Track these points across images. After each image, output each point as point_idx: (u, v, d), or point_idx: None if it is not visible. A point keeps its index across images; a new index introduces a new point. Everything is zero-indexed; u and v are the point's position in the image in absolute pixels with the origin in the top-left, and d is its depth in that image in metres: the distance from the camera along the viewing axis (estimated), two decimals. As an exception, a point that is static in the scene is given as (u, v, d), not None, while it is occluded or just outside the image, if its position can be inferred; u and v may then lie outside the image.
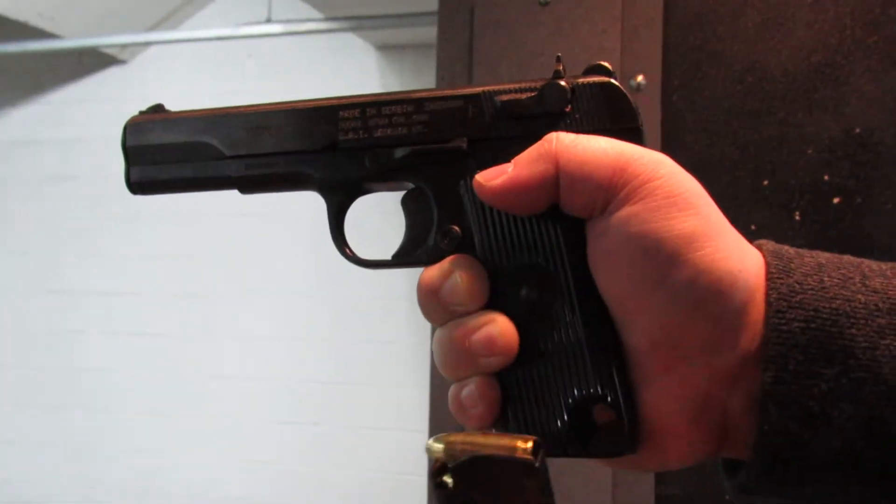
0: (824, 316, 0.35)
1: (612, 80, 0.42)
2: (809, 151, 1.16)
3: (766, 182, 1.14)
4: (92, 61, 3.25)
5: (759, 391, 0.35)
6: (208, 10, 3.20)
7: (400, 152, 0.44)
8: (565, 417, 0.39)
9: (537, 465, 0.31)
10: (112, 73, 3.27)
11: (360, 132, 0.45)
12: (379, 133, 0.45)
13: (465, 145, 0.43)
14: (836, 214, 1.12)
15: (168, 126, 0.49)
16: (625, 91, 0.42)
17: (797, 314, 0.35)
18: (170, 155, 0.49)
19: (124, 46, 3.17)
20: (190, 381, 3.10)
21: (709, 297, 0.36)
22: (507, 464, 0.31)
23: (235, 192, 0.48)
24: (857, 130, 1.14)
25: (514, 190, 0.39)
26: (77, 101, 3.30)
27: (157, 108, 0.51)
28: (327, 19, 2.78)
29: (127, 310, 3.18)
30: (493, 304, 0.41)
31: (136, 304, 3.17)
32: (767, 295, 0.36)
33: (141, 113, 0.51)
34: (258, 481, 3.01)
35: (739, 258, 0.37)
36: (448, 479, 0.32)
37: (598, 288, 0.39)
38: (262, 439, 3.01)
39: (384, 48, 2.99)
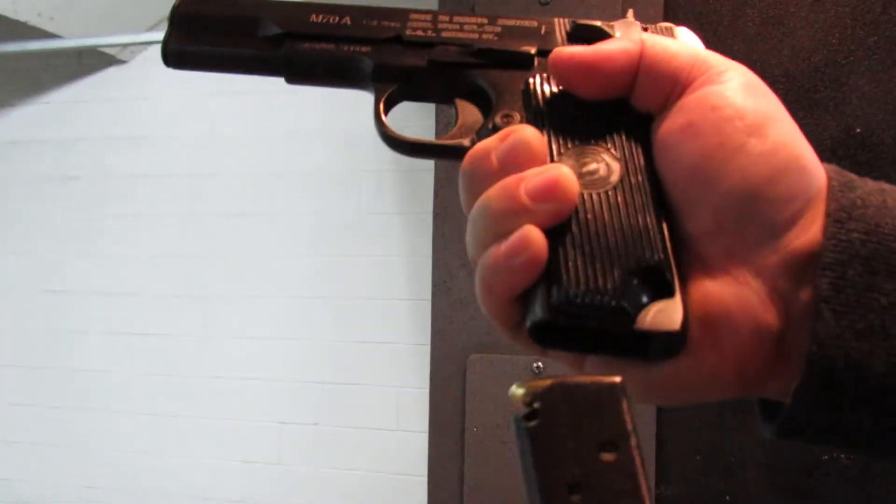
0: (886, 231, 0.33)
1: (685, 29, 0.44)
2: (809, 151, 1.15)
3: (766, 182, 1.13)
4: (92, 61, 3.25)
5: (815, 300, 0.33)
6: (208, 10, 3.20)
7: (466, 51, 0.43)
8: (616, 281, 0.35)
9: (619, 381, 0.31)
10: (112, 73, 3.27)
11: (429, 31, 0.44)
12: (447, 35, 0.44)
13: (533, 51, 0.42)
14: (836, 214, 1.12)
15: None
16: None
17: (857, 226, 0.33)
18: (219, 26, 0.45)
19: (124, 46, 3.16)
20: (190, 381, 3.10)
21: (789, 166, 0.35)
22: (593, 386, 0.31)
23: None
24: (857, 130, 1.14)
25: (596, 62, 0.38)
26: (77, 101, 3.29)
27: None
28: (327, 19, 2.77)
29: (127, 310, 3.18)
30: None
31: (136, 304, 3.17)
32: (827, 205, 0.34)
33: None
34: (258, 481, 3.01)
35: (814, 157, 0.36)
36: (537, 408, 0.31)
37: (662, 174, 0.37)
38: (262, 439, 3.01)
39: (384, 48, 2.99)
